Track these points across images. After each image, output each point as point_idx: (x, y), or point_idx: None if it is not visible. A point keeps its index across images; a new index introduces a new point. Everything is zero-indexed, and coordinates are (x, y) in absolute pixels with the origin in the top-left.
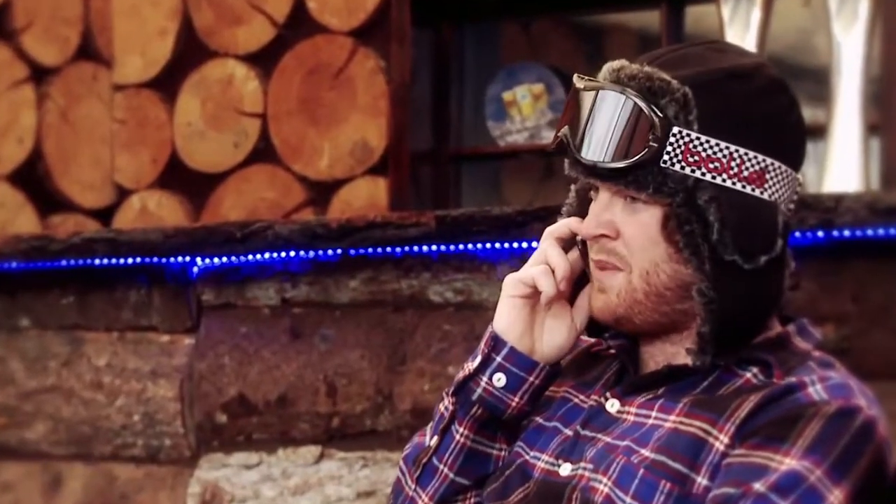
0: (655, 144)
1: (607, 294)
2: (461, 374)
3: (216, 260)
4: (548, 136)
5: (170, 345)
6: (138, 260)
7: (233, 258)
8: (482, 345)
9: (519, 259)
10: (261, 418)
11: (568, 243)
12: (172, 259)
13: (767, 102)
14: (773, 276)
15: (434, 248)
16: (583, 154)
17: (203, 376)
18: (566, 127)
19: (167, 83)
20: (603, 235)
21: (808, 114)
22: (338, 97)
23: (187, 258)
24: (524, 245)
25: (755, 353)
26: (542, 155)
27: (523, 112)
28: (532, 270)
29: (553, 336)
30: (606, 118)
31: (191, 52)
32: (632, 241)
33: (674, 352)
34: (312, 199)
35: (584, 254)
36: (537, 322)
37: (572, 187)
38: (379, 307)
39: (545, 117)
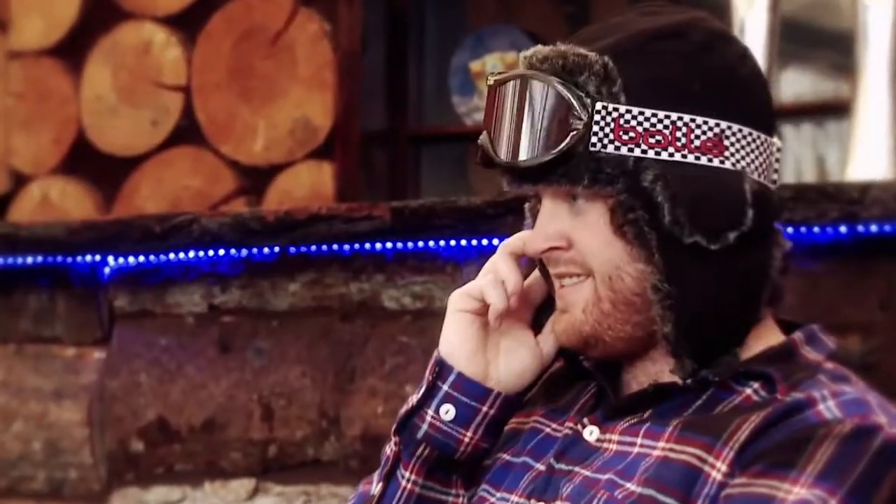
0: (580, 127)
1: (570, 312)
2: (404, 409)
3: (131, 259)
4: None
5: (76, 359)
6: (38, 259)
7: (151, 257)
8: (427, 372)
9: (488, 259)
10: (184, 446)
11: (530, 266)
12: (79, 258)
13: (709, 58)
14: (751, 256)
15: (389, 245)
16: (502, 156)
17: (116, 397)
18: (484, 134)
19: (72, 50)
20: (553, 248)
21: (829, 87)
22: (275, 67)
23: (97, 257)
24: (495, 242)
25: (755, 365)
26: None
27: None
28: (479, 282)
29: (511, 360)
30: (520, 111)
31: (100, 13)
32: (585, 248)
33: (657, 371)
34: (245, 187)
35: (548, 275)
36: (491, 342)
37: (526, 207)
38: (324, 315)
39: None
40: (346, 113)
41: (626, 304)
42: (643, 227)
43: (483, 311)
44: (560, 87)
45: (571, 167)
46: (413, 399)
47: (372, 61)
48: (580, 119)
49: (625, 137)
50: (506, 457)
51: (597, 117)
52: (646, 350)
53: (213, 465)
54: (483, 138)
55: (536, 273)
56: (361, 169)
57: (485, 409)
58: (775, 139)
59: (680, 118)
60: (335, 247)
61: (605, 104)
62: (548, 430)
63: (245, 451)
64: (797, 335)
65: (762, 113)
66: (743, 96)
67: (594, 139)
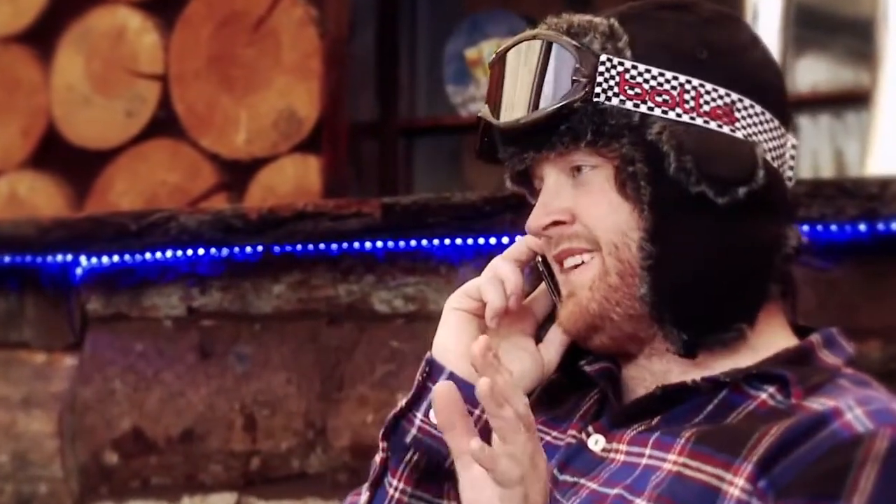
0: (583, 79)
1: (576, 294)
2: (392, 412)
3: (105, 259)
4: None
5: (46, 366)
6: (6, 259)
7: (126, 257)
8: (418, 373)
9: (486, 258)
10: (161, 458)
11: (535, 280)
12: (49, 258)
13: (717, 32)
14: (760, 223)
15: (379, 244)
16: (502, 119)
17: (88, 406)
18: (484, 106)
19: (42, 36)
20: (556, 223)
21: (848, 76)
22: (258, 55)
23: (68, 257)
24: (492, 241)
25: (770, 367)
26: None
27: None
28: (478, 280)
29: (509, 363)
30: (521, 72)
31: None
32: (590, 217)
33: (663, 370)
34: (226, 182)
35: (551, 283)
36: None
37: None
38: (310, 319)
39: None
40: (333, 103)
41: (633, 276)
42: (640, 181)
43: (481, 311)
44: (563, 42)
45: (574, 123)
46: (402, 401)
47: (361, 48)
48: (584, 72)
49: (630, 93)
50: None
51: (601, 69)
52: (650, 341)
53: (192, 479)
54: (483, 111)
55: (542, 287)
56: (350, 163)
57: (478, 412)
58: (790, 136)
59: (688, 81)
60: (322, 246)
61: (609, 57)
62: (548, 438)
63: (226, 464)
64: (814, 337)
65: (776, 99)
66: (755, 75)
67: (598, 90)
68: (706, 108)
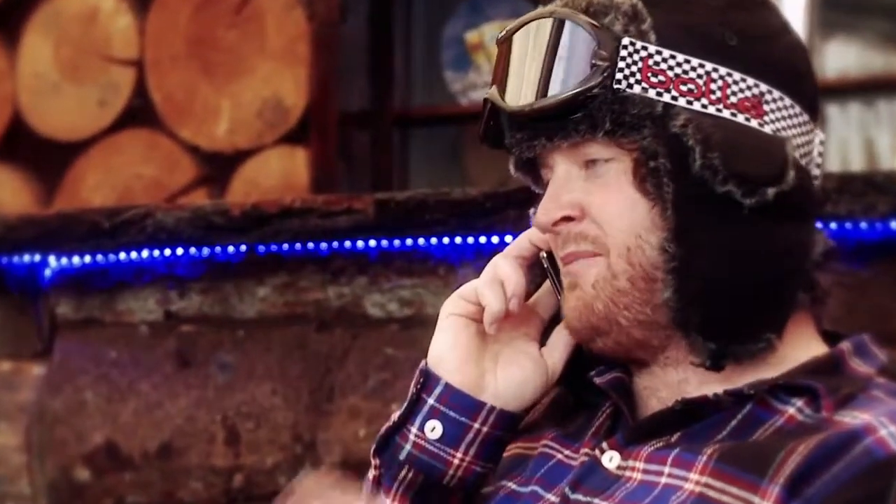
0: (603, 63)
1: (581, 287)
2: (384, 426)
3: (76, 260)
4: None
5: (12, 375)
6: None
7: (98, 257)
8: (412, 384)
9: (488, 258)
10: (137, 475)
11: (540, 277)
12: (16, 258)
13: (745, 17)
14: (788, 227)
15: (372, 243)
16: (511, 103)
17: (58, 418)
18: (493, 88)
19: (8, 20)
20: (565, 219)
21: (879, 61)
22: (240, 38)
23: (36, 257)
24: (494, 240)
25: (798, 378)
26: None
27: (493, 59)
28: (476, 283)
29: (510, 371)
30: (533, 52)
31: None
32: (602, 213)
33: (679, 379)
34: (206, 176)
35: (557, 280)
36: (489, 352)
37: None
38: (297, 324)
39: None
40: (322, 91)
41: (647, 281)
42: (663, 177)
43: (479, 315)
44: (581, 22)
45: (592, 110)
46: (395, 415)
47: (352, 31)
48: (604, 55)
49: (653, 80)
50: (511, 485)
51: (623, 53)
52: (663, 349)
53: (170, 497)
54: (490, 92)
55: (547, 285)
56: (340, 156)
57: (476, 425)
58: (818, 131)
59: (715, 69)
60: (310, 245)
61: (632, 40)
62: (560, 456)
63: (207, 481)
64: (844, 345)
65: (806, 91)
66: (785, 65)
67: (619, 76)
68: (733, 99)
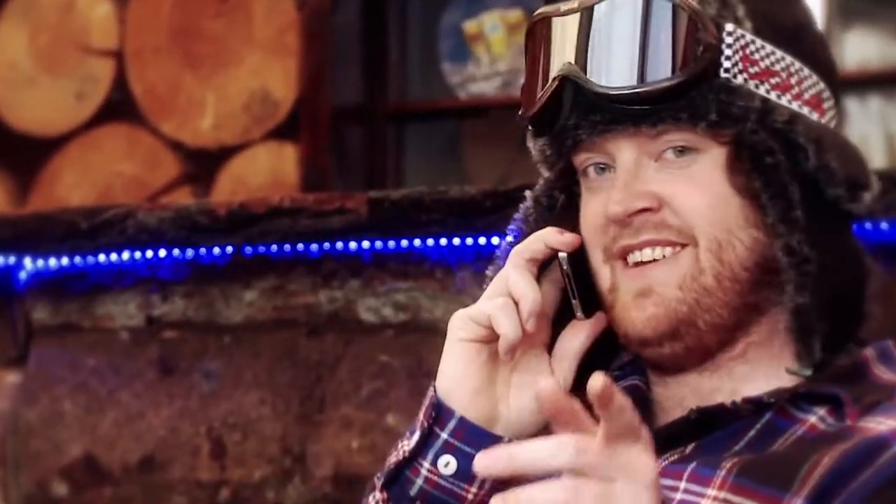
0: (709, 49)
1: (658, 293)
2: (393, 459)
3: (52, 262)
4: None
5: None
6: None
7: (76, 259)
8: (421, 414)
9: (488, 261)
10: (117, 489)
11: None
12: None
13: (800, 9)
14: (856, 238)
15: (366, 244)
16: (603, 83)
17: (34, 429)
18: (566, 64)
19: None
20: (644, 210)
21: None
22: (226, 28)
23: (11, 259)
24: (494, 241)
25: (820, 386)
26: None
27: (493, 50)
28: (487, 305)
29: (523, 397)
30: (622, 31)
31: None
32: (688, 207)
33: (713, 388)
34: (191, 173)
35: (573, 278)
36: (500, 377)
37: (540, 184)
38: (287, 329)
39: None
40: (312, 84)
41: (733, 281)
42: (783, 175)
43: (491, 338)
44: (682, 2)
45: (697, 98)
46: (405, 447)
47: (344, 21)
48: (710, 42)
49: (752, 70)
50: None
51: (728, 40)
52: (711, 355)
53: None
54: (567, 68)
55: (551, 280)
56: (332, 152)
57: (474, 489)
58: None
59: (792, 63)
60: (300, 246)
61: (734, 27)
62: None
63: (191, 495)
64: (868, 351)
65: (838, 90)
66: (830, 62)
67: (727, 64)
68: (807, 95)
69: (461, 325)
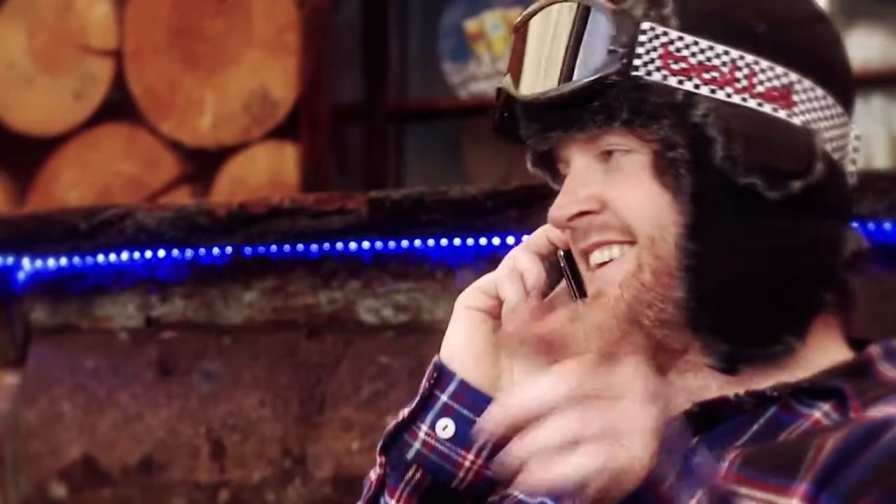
0: (622, 49)
1: (605, 295)
2: (392, 422)
3: (51, 262)
4: None
5: None
6: None
7: (75, 260)
8: (424, 379)
9: (488, 262)
10: (116, 491)
11: (556, 273)
12: None
13: (776, 3)
14: (816, 223)
15: (366, 244)
16: (525, 91)
17: (32, 431)
18: (507, 76)
19: None
20: (582, 213)
21: None
22: (225, 27)
23: (9, 260)
24: (495, 241)
25: (824, 381)
26: None
27: (494, 49)
28: (494, 274)
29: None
30: (548, 38)
31: None
32: (623, 206)
33: (700, 385)
34: (190, 173)
35: (573, 282)
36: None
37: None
38: (286, 330)
39: None
40: (312, 83)
41: (670, 276)
42: (680, 168)
43: (497, 310)
44: (599, 6)
45: (610, 98)
46: (405, 411)
47: (344, 20)
48: (623, 41)
49: (674, 67)
50: (518, 494)
51: (642, 38)
52: (687, 349)
53: None
54: (504, 81)
55: (563, 285)
56: (332, 152)
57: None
58: (854, 126)
59: (741, 57)
60: (300, 247)
61: (652, 25)
62: None
63: (191, 497)
64: (873, 349)
65: (841, 82)
66: (817, 54)
67: (638, 62)
68: (760, 88)
69: (468, 295)
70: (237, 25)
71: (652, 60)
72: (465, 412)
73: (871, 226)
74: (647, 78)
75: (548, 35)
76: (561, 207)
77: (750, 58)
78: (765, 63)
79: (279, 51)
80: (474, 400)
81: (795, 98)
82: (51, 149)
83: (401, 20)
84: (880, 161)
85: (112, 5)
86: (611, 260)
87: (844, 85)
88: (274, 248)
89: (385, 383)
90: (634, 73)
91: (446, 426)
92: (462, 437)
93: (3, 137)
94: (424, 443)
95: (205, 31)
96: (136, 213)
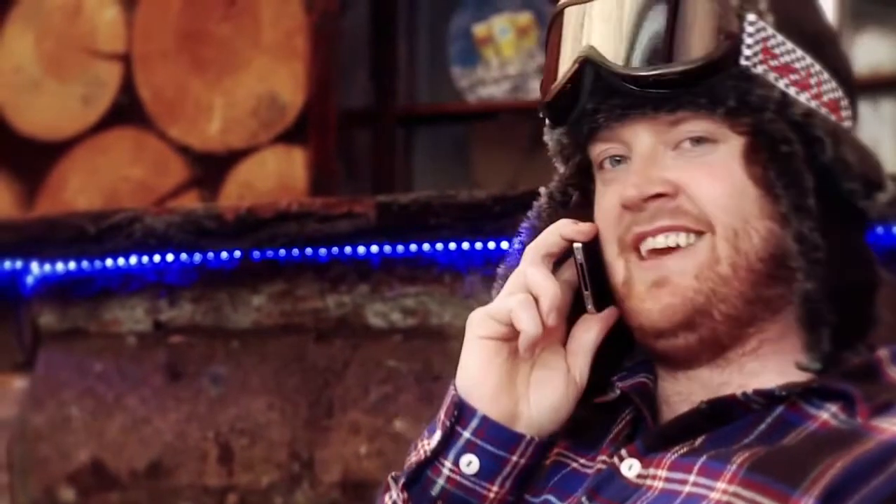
0: (730, 37)
1: (675, 282)
2: (414, 458)
3: (59, 267)
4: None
5: None
6: None
7: (83, 264)
8: (442, 413)
9: (496, 266)
10: (124, 494)
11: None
12: None
13: (820, 16)
14: (868, 243)
15: (374, 248)
16: (621, 63)
17: (41, 434)
18: (585, 46)
19: None
20: (659, 195)
21: None
22: (234, 32)
23: (18, 264)
24: (503, 245)
25: (832, 382)
26: (532, 114)
27: (503, 54)
28: (507, 302)
29: (543, 394)
30: (647, 16)
31: None
32: (704, 193)
33: (722, 382)
34: (198, 178)
35: (586, 280)
36: (520, 374)
37: (554, 180)
38: (294, 334)
39: (534, 61)
40: (321, 88)
41: (748, 272)
42: (799, 164)
43: (511, 336)
44: None
45: (716, 84)
46: (426, 447)
47: (353, 24)
48: (732, 30)
49: (772, 63)
50: (524, 496)
51: (749, 29)
52: (723, 349)
53: None
54: (587, 50)
55: (566, 268)
56: (340, 156)
57: (514, 458)
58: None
59: (813, 64)
60: (308, 251)
61: (755, 17)
62: (574, 465)
63: (199, 501)
64: (881, 352)
65: (856, 100)
66: (849, 72)
67: (747, 51)
68: (825, 97)
69: (481, 323)
70: (246, 30)
71: (756, 53)
72: (488, 447)
73: (879, 230)
74: (752, 70)
75: (644, 12)
76: (637, 186)
77: (818, 66)
78: (826, 74)
79: (287, 55)
80: (496, 435)
81: (843, 113)
82: (59, 153)
83: (409, 24)
84: (890, 165)
85: (120, 9)
86: (677, 246)
87: (855, 100)
88: (282, 252)
89: (393, 387)
90: (744, 63)
91: (470, 462)
92: (487, 471)
93: (12, 142)
94: (449, 479)
95: (213, 35)
96: (144, 217)
